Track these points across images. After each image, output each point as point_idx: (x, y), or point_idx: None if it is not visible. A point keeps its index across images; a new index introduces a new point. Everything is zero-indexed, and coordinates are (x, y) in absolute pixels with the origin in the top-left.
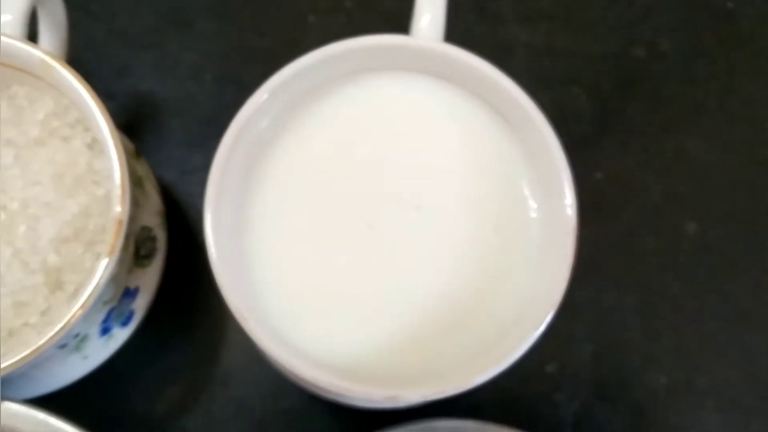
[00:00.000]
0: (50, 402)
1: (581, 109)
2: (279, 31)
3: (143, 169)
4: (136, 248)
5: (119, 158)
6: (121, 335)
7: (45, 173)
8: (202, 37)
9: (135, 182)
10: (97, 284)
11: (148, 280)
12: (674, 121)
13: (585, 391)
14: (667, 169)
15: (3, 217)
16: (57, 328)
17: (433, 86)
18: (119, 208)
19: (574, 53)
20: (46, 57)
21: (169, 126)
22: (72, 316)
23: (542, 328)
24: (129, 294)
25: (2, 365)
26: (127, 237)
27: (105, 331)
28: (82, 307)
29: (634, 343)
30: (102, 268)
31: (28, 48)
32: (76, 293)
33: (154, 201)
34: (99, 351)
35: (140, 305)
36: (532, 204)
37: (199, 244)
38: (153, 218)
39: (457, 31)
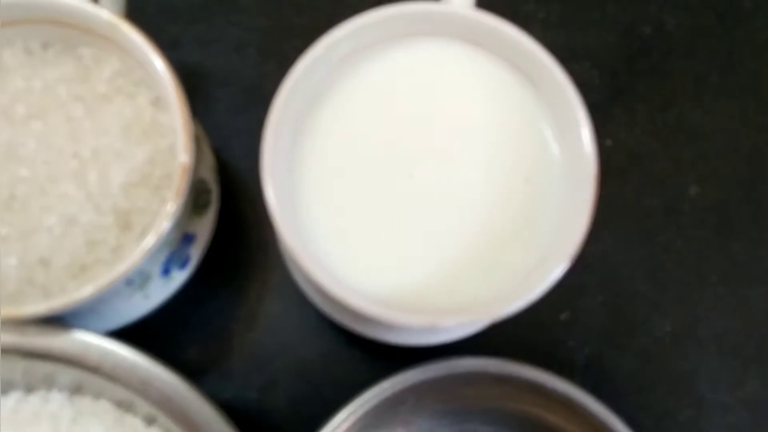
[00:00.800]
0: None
1: (592, 81)
2: (316, 9)
3: (198, 130)
4: (195, 197)
5: (183, 111)
6: (179, 277)
7: (114, 125)
8: (246, 13)
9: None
10: (165, 223)
11: (204, 229)
12: (678, 93)
13: (595, 337)
14: (671, 137)
15: (76, 164)
16: (129, 262)
17: (464, 50)
18: (185, 155)
19: (585, 30)
20: (113, 18)
21: (215, 95)
22: (142, 251)
23: (566, 264)
24: (187, 239)
25: (77, 295)
26: (188, 184)
27: (166, 272)
28: (152, 243)
29: (640, 294)
30: (170, 208)
31: (95, 10)
32: (143, 233)
33: (208, 157)
34: (159, 291)
35: (196, 251)
36: (556, 151)
37: (247, 201)
38: (208, 173)
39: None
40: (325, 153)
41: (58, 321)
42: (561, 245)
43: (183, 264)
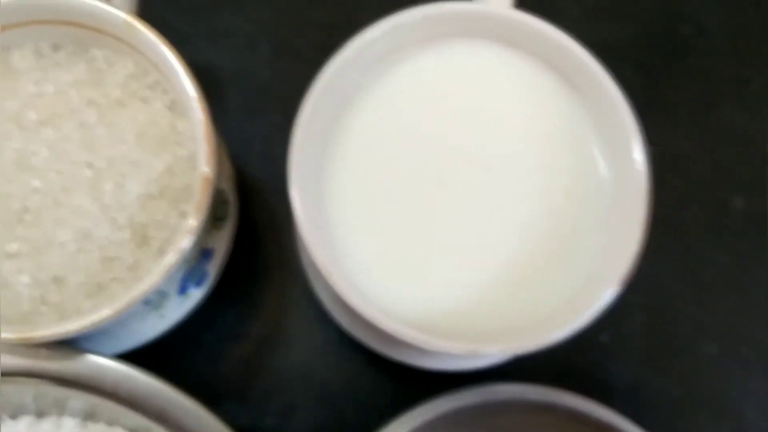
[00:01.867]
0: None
1: (631, 84)
2: (331, 3)
3: (218, 136)
4: (213, 210)
5: (205, 119)
6: (195, 295)
7: (129, 132)
8: (256, 8)
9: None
10: (187, 240)
11: (221, 243)
12: (720, 96)
13: (637, 360)
14: (713, 143)
15: (91, 174)
16: (148, 282)
17: (502, 52)
18: (207, 166)
19: (623, 31)
20: (129, 18)
21: (227, 96)
22: (163, 270)
23: (615, 289)
24: (205, 255)
25: (95, 317)
26: (210, 198)
27: (183, 290)
28: (173, 262)
29: (683, 313)
30: (191, 223)
31: (111, 9)
32: (161, 249)
33: (226, 165)
34: (175, 310)
35: (213, 268)
36: (602, 166)
37: (264, 212)
38: (226, 182)
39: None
40: (354, 162)
41: (69, 342)
42: (609, 267)
43: (200, 281)
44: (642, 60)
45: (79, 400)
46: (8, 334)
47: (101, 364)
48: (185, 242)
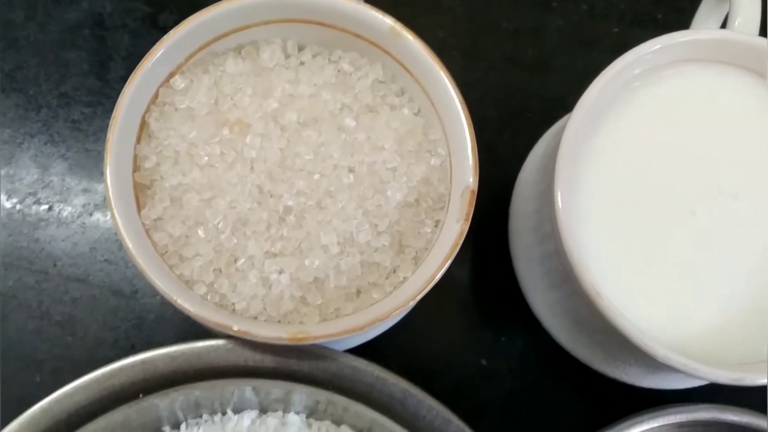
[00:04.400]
0: None
1: None
2: (523, 16)
3: None
4: None
5: (470, 129)
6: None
7: (387, 139)
8: (450, 15)
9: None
10: (454, 251)
11: None
12: None
13: None
14: None
15: (352, 179)
16: (412, 292)
17: (748, 79)
18: (473, 178)
19: None
20: (396, 24)
21: None
22: (428, 281)
23: None
24: None
25: (360, 320)
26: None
27: None
28: (439, 274)
29: None
30: (459, 235)
31: (378, 14)
32: (416, 258)
33: None
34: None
35: None
36: None
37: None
38: None
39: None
40: (601, 182)
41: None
42: None
43: None
44: None
45: (303, 395)
46: (280, 333)
47: (356, 365)
48: (452, 254)
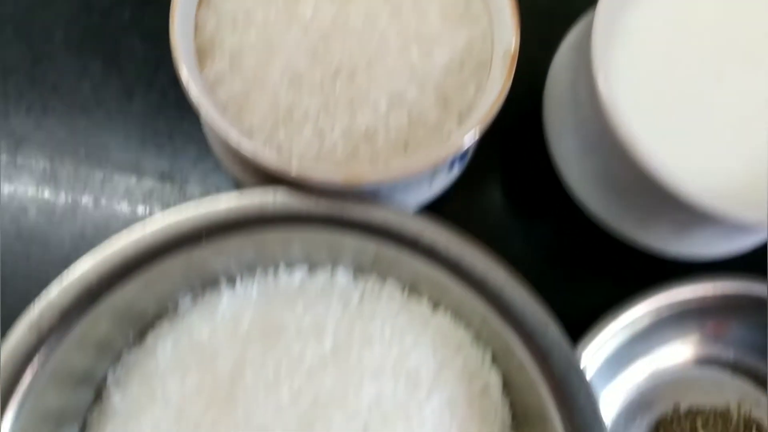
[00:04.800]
0: None
1: None
2: None
3: None
4: None
5: None
6: (455, 170)
7: (432, 9)
8: None
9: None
10: (494, 110)
11: None
12: None
13: None
14: None
15: (401, 43)
16: (455, 144)
17: None
18: (514, 39)
19: None
20: None
21: None
22: (471, 136)
23: None
24: None
25: (410, 165)
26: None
27: (452, 163)
28: (479, 130)
29: None
30: (499, 95)
31: None
32: (460, 116)
33: None
34: (440, 181)
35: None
36: None
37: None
38: None
39: None
40: (636, 49)
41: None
42: None
43: (463, 157)
44: None
45: (350, 252)
46: (335, 177)
47: (403, 215)
48: (492, 112)
